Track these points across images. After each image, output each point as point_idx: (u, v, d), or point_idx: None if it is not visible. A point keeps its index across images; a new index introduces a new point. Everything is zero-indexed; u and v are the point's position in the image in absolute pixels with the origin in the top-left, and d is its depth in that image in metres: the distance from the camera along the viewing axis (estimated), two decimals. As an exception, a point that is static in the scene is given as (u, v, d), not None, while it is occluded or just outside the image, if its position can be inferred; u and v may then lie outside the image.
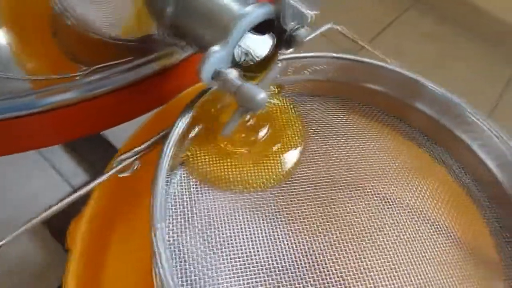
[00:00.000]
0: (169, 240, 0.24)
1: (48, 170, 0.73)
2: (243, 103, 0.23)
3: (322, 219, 0.26)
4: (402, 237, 0.26)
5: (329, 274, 0.24)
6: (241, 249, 0.24)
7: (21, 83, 0.28)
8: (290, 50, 0.27)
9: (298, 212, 0.26)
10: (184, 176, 0.27)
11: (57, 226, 0.36)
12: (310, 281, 0.23)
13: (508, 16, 1.11)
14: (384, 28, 1.14)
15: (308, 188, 0.28)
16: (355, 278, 0.24)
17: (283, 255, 0.24)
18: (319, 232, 0.26)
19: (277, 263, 0.24)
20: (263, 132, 0.30)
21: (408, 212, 0.28)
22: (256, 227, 0.25)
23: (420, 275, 0.25)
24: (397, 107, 0.33)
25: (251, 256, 0.24)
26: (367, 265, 0.25)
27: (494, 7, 1.12)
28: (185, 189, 0.27)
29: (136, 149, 0.26)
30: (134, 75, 0.29)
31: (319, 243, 0.25)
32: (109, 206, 0.29)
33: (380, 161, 0.30)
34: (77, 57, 0.29)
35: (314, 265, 0.24)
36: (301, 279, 0.24)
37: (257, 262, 0.24)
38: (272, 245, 0.25)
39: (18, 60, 0.28)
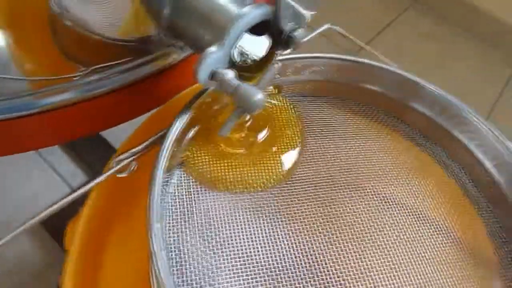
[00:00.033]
0: (168, 240, 0.24)
1: (48, 170, 0.73)
2: (241, 104, 0.23)
3: (322, 219, 0.26)
4: (401, 237, 0.26)
5: (329, 274, 0.24)
6: (241, 249, 0.24)
7: (20, 83, 0.28)
8: (288, 50, 0.27)
9: (298, 212, 0.26)
10: (183, 176, 0.27)
11: (56, 226, 0.36)
12: (310, 281, 0.23)
13: (507, 16, 1.11)
14: (384, 28, 1.14)
15: (308, 188, 0.28)
16: (355, 278, 0.24)
17: (283, 255, 0.24)
18: (319, 232, 0.26)
19: (277, 263, 0.24)
20: (262, 133, 0.30)
21: (408, 212, 0.28)
22: (256, 227, 0.25)
23: (420, 275, 0.25)
24: (396, 107, 0.33)
25: (251, 256, 0.24)
26: (367, 265, 0.25)
27: (493, 7, 1.12)
28: (184, 189, 0.27)
29: (134, 149, 0.26)
30: (132, 75, 0.29)
31: (319, 243, 0.25)
32: (107, 206, 0.29)
33: (380, 161, 0.30)
34: (76, 57, 0.29)
35: (314, 265, 0.24)
36: (301, 279, 0.24)
37: (257, 262, 0.24)
38: (272, 245, 0.25)
39: (17, 61, 0.28)
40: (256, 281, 0.23)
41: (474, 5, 1.14)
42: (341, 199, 0.27)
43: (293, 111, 0.32)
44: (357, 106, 0.34)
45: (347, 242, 0.25)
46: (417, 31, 1.16)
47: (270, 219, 0.26)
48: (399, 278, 0.24)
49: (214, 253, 0.24)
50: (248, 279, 0.23)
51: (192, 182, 0.27)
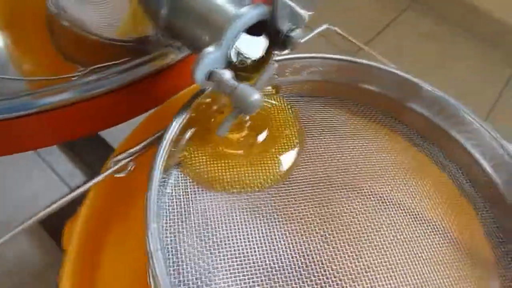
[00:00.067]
0: (165, 240, 0.24)
1: (47, 170, 0.73)
2: (238, 104, 0.23)
3: (319, 219, 0.26)
4: (398, 237, 0.26)
5: (326, 274, 0.24)
6: (238, 249, 0.24)
7: (18, 83, 0.28)
8: (286, 51, 0.27)
9: (295, 213, 0.26)
10: (181, 177, 0.27)
11: (55, 226, 0.36)
12: (307, 281, 0.23)
13: (506, 16, 1.11)
14: (384, 28, 1.14)
15: (305, 189, 0.28)
16: (352, 278, 0.24)
17: (280, 255, 0.24)
18: (316, 233, 0.26)
19: (274, 263, 0.24)
20: (260, 133, 0.30)
21: (405, 212, 0.28)
22: (253, 227, 0.25)
23: (417, 275, 0.25)
24: (394, 107, 0.33)
25: (248, 256, 0.24)
26: (363, 265, 0.25)
27: (493, 7, 1.12)
28: (181, 189, 0.27)
29: (131, 150, 0.27)
30: (130, 75, 0.29)
31: (316, 243, 0.25)
32: (104, 206, 0.30)
33: (377, 162, 0.30)
34: (74, 57, 0.29)
35: (311, 265, 0.24)
36: (298, 279, 0.24)
37: (254, 263, 0.24)
38: (269, 245, 0.25)
39: (15, 61, 0.28)
40: (253, 281, 0.23)
41: (474, 5, 1.14)
42: (338, 199, 0.27)
43: (291, 111, 0.32)
44: (355, 106, 0.34)
45: (344, 242, 0.25)
46: (417, 31, 1.16)
47: (267, 219, 0.26)
48: (396, 278, 0.24)
49: (211, 253, 0.24)
50: (245, 279, 0.23)
51: (190, 182, 0.27)
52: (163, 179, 0.26)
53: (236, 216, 0.26)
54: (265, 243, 0.25)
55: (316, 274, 0.24)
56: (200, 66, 0.22)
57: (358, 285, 0.24)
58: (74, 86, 0.28)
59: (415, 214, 0.28)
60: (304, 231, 0.26)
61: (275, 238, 0.25)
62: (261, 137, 0.30)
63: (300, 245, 0.25)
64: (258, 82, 0.26)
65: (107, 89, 0.28)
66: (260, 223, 0.26)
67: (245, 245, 0.25)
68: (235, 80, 0.23)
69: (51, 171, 0.73)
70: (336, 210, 0.27)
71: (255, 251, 0.24)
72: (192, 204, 0.26)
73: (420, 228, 0.27)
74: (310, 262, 0.24)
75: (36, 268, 0.64)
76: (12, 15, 0.27)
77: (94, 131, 0.32)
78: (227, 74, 0.23)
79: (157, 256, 0.21)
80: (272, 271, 0.24)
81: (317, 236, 0.25)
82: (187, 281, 0.23)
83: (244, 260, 0.24)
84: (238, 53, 0.24)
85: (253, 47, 0.25)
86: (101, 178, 0.26)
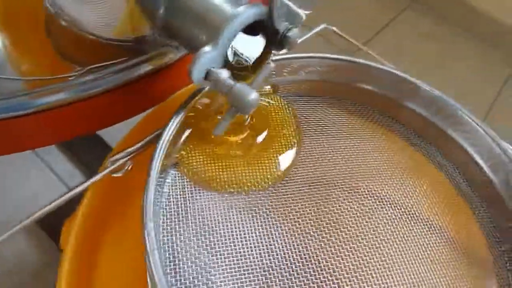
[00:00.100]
0: (163, 240, 0.24)
1: (45, 170, 0.73)
2: (235, 103, 0.23)
3: (316, 218, 0.26)
4: (395, 236, 0.26)
5: (323, 273, 0.24)
6: (235, 249, 0.24)
7: (15, 83, 0.28)
8: (283, 50, 0.27)
9: (292, 212, 0.26)
10: (178, 176, 0.27)
11: (53, 226, 0.37)
12: (303, 280, 0.24)
13: (506, 17, 1.11)
14: (383, 27, 1.14)
15: (303, 188, 0.28)
16: (349, 277, 0.24)
17: (277, 254, 0.24)
18: (313, 232, 0.26)
19: (271, 262, 0.24)
20: (260, 134, 0.30)
21: (402, 211, 0.28)
22: (250, 226, 0.25)
23: (413, 274, 0.25)
24: (391, 107, 0.33)
25: (245, 255, 0.24)
26: (360, 264, 0.25)
27: (492, 7, 1.12)
28: (179, 188, 0.27)
29: (129, 149, 0.27)
30: (127, 75, 0.29)
31: (313, 243, 0.25)
32: (102, 206, 0.30)
33: (375, 161, 0.30)
34: (71, 57, 0.29)
35: (307, 265, 0.24)
36: (295, 278, 0.24)
37: (251, 261, 0.24)
38: (266, 244, 0.25)
39: (12, 61, 0.29)
40: (250, 280, 0.23)
41: (474, 5, 1.14)
42: (335, 199, 0.27)
43: (288, 110, 0.32)
44: (352, 106, 0.34)
45: (340, 242, 0.25)
46: (417, 31, 1.16)
47: (264, 218, 0.26)
48: (392, 278, 0.24)
49: (208, 252, 0.24)
50: (242, 278, 0.23)
51: (187, 181, 0.27)
52: (161, 179, 0.26)
53: (233, 215, 0.26)
54: (262, 242, 0.25)
55: (313, 273, 0.24)
56: (197, 66, 0.22)
57: (355, 284, 0.24)
58: (71, 86, 0.28)
59: (412, 214, 0.28)
60: (301, 230, 0.26)
61: (272, 237, 0.25)
62: (261, 138, 0.30)
63: (297, 244, 0.25)
64: (255, 81, 0.26)
65: (104, 89, 0.28)
66: (257, 222, 0.26)
67: (242, 244, 0.25)
68: (232, 80, 0.23)
69: (49, 170, 0.73)
70: (333, 210, 0.27)
71: (252, 250, 0.24)
72: (189, 203, 0.26)
73: (417, 227, 0.27)
74: (307, 261, 0.24)
75: (35, 267, 0.64)
76: (9, 14, 0.27)
77: (91, 130, 0.32)
78: (224, 74, 0.23)
79: (154, 255, 0.21)
80: (269, 270, 0.24)
81: (314, 235, 0.26)
82: (184, 280, 0.23)
83: (241, 259, 0.24)
84: (235, 53, 0.25)
85: (250, 46, 0.25)
86: (98, 177, 0.26)
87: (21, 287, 0.62)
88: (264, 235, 0.25)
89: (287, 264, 0.24)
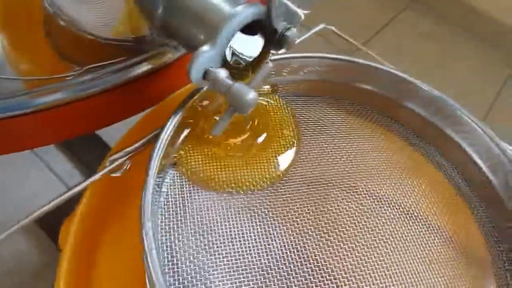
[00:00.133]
0: (161, 239, 0.24)
1: (45, 170, 0.73)
2: (233, 103, 0.23)
3: (315, 218, 0.26)
4: (394, 236, 0.26)
5: (321, 273, 0.24)
6: (234, 248, 0.24)
7: (14, 83, 0.28)
8: (282, 50, 0.27)
9: (291, 212, 0.26)
10: (176, 176, 0.27)
11: (52, 225, 0.37)
12: (302, 280, 0.24)
13: (506, 17, 1.11)
14: (382, 27, 1.14)
15: (301, 188, 0.28)
16: (347, 277, 0.24)
17: (275, 254, 0.24)
18: (311, 231, 0.26)
19: (269, 262, 0.24)
20: (260, 135, 0.30)
21: (401, 211, 0.28)
22: (249, 226, 0.25)
23: (412, 274, 0.25)
24: (390, 107, 0.33)
25: (243, 255, 0.24)
26: (359, 263, 0.25)
27: (492, 7, 1.12)
28: (177, 188, 0.27)
29: (128, 149, 0.27)
30: (126, 75, 0.29)
31: (311, 242, 0.25)
32: (101, 205, 0.30)
33: (374, 161, 0.30)
34: (70, 57, 0.29)
35: (306, 264, 0.24)
36: (293, 278, 0.24)
37: (249, 261, 0.24)
38: (265, 244, 0.25)
39: (11, 60, 0.29)
40: (249, 280, 0.23)
41: (473, 5, 1.14)
42: (334, 198, 0.27)
43: (287, 110, 0.32)
44: (351, 105, 0.34)
45: (339, 241, 0.25)
46: (417, 31, 1.16)
47: (263, 218, 0.26)
48: (391, 277, 0.24)
49: (206, 252, 0.24)
50: (240, 278, 0.23)
51: (185, 181, 0.27)
52: (159, 178, 0.26)
53: (231, 215, 0.26)
54: (260, 241, 0.25)
55: (311, 273, 0.24)
56: (195, 65, 0.22)
57: (353, 283, 0.24)
58: (70, 86, 0.28)
59: (411, 213, 0.28)
60: (300, 230, 0.26)
61: (271, 237, 0.25)
62: (259, 138, 0.30)
63: (296, 244, 0.25)
64: (253, 81, 0.26)
65: (103, 89, 0.28)
66: (256, 221, 0.26)
67: (241, 244, 0.25)
68: (230, 79, 0.23)
69: (49, 170, 0.73)
70: (332, 209, 0.27)
71: (250, 250, 0.24)
72: (187, 203, 0.26)
73: (416, 227, 0.27)
74: (305, 261, 0.24)
75: (34, 267, 0.64)
76: (8, 14, 0.27)
77: (90, 130, 0.32)
78: (222, 73, 0.23)
79: (152, 255, 0.21)
80: (267, 270, 0.24)
81: (313, 235, 0.26)
82: (183, 279, 0.23)
83: (240, 258, 0.24)
84: (233, 52, 0.25)
85: (248, 46, 0.25)
86: (97, 177, 0.26)
87: (21, 287, 0.62)
88: (262, 235, 0.25)
89: (285, 263, 0.24)
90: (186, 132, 0.29)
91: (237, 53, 0.25)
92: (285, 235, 0.25)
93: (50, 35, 0.28)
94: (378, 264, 0.25)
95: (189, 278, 0.23)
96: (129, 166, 0.27)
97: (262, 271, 0.24)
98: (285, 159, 0.29)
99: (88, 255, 0.28)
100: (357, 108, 0.34)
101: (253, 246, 0.25)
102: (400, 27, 1.16)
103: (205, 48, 0.23)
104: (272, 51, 0.27)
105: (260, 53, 0.26)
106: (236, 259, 0.24)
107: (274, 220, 0.26)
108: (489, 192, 0.29)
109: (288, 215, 0.26)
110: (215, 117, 0.29)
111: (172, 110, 0.27)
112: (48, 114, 0.28)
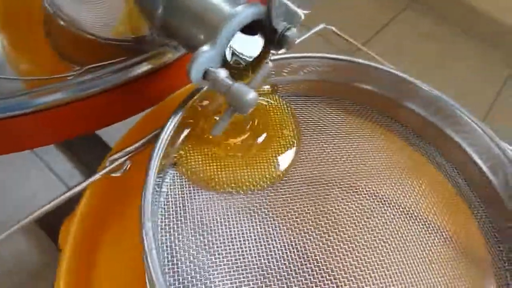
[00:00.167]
0: (161, 239, 0.24)
1: (45, 170, 0.73)
2: (233, 103, 0.23)
3: (315, 218, 0.26)
4: (394, 236, 0.26)
5: (321, 273, 0.24)
6: (234, 248, 0.24)
7: (14, 83, 0.28)
8: (282, 50, 0.27)
9: (291, 211, 0.26)
10: (176, 176, 0.27)
11: (52, 225, 0.37)
12: (302, 280, 0.24)
13: (506, 17, 1.11)
14: (382, 27, 1.14)
15: (301, 188, 0.28)
16: (347, 277, 0.24)
17: (275, 254, 0.24)
18: (312, 231, 0.26)
19: (269, 262, 0.24)
20: (260, 135, 0.30)
21: (401, 211, 0.28)
22: (249, 226, 0.25)
23: (412, 274, 0.25)
24: (390, 107, 0.33)
25: (243, 255, 0.24)
26: (359, 263, 0.25)
27: (492, 7, 1.12)
28: (177, 188, 0.27)
29: (128, 149, 0.27)
30: (126, 75, 0.29)
31: (311, 242, 0.25)
32: (101, 205, 0.30)
33: (374, 161, 0.30)
34: (70, 57, 0.29)
35: (306, 264, 0.24)
36: (293, 277, 0.24)
37: (249, 261, 0.24)
38: (265, 244, 0.25)
39: (11, 60, 0.29)
40: (249, 280, 0.23)
41: (473, 5, 1.14)
42: (334, 198, 0.27)
43: (287, 110, 0.32)
44: (351, 105, 0.34)
45: (339, 241, 0.25)
46: (417, 31, 1.16)
47: (263, 218, 0.26)
48: (391, 277, 0.24)
49: (206, 251, 0.24)
50: (240, 278, 0.23)
51: (185, 181, 0.27)
52: (159, 178, 0.26)
53: (232, 214, 0.26)
54: (260, 241, 0.25)
55: (311, 273, 0.24)
56: (195, 65, 0.22)
57: (353, 283, 0.24)
58: (70, 86, 0.28)
59: (411, 213, 0.28)
60: (300, 230, 0.26)
61: (271, 237, 0.25)
62: (259, 138, 0.30)
63: (296, 244, 0.25)
64: (253, 81, 0.26)
65: (103, 89, 0.28)
66: (256, 221, 0.26)
67: (241, 244, 0.25)
68: (230, 79, 0.23)
69: (48, 170, 0.73)
70: (332, 209, 0.27)
71: (250, 250, 0.24)
72: (188, 203, 0.26)
73: (416, 227, 0.27)
74: (305, 261, 0.24)
75: (34, 267, 0.64)
76: (8, 14, 0.27)
77: (90, 130, 0.32)
78: (222, 73, 0.23)
79: (152, 255, 0.21)
80: (267, 270, 0.24)
81: (313, 234, 0.26)
82: (183, 279, 0.23)
83: (240, 258, 0.24)
84: (233, 52, 0.25)
85: (248, 46, 0.25)
86: (97, 177, 0.26)
87: (21, 287, 0.62)
88: (262, 235, 0.25)
89: (285, 263, 0.24)
90: (186, 132, 0.29)
91: (237, 53, 0.25)
92: (285, 235, 0.25)
93: (50, 35, 0.28)
94: (378, 264, 0.25)
95: (189, 278, 0.23)
96: (129, 166, 0.27)
97: (262, 271, 0.24)
98: (285, 159, 0.29)
99: (88, 255, 0.28)
100: (357, 108, 0.34)
101: (253, 246, 0.25)
102: (400, 27, 1.16)
103: (205, 48, 0.23)
104: (272, 51, 0.27)
105: (260, 53, 0.26)
106: (236, 259, 0.24)
107: (274, 220, 0.26)
108: (489, 192, 0.29)
109: (288, 215, 0.26)
110: (215, 117, 0.29)
111: (172, 110, 0.27)
112: (48, 114, 0.28)
